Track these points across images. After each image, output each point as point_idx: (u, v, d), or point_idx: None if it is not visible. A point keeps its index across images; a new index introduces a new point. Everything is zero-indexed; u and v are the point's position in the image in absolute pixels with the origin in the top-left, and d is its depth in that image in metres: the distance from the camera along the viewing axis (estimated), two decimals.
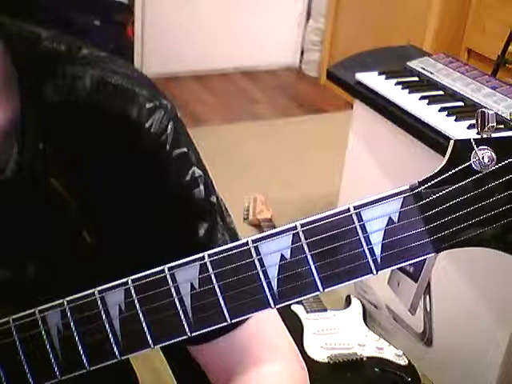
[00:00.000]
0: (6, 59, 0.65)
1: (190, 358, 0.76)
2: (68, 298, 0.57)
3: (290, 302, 0.54)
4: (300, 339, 1.84)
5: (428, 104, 1.77)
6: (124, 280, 0.56)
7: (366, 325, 1.96)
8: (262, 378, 0.72)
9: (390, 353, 1.82)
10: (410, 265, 1.82)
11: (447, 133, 1.64)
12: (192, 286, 0.55)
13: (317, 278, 0.53)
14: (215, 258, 0.54)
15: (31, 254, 0.68)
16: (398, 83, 1.89)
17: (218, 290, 0.55)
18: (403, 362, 1.81)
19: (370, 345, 1.85)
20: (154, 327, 0.56)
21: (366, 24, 3.53)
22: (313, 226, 0.53)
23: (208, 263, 0.55)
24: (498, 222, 0.51)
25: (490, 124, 0.52)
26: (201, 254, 0.55)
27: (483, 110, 0.52)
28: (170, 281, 0.55)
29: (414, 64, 1.98)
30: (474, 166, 0.51)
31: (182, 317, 0.55)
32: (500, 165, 0.51)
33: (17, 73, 0.66)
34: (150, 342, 0.56)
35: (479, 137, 0.52)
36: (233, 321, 0.55)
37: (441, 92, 1.84)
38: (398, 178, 1.88)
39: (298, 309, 1.96)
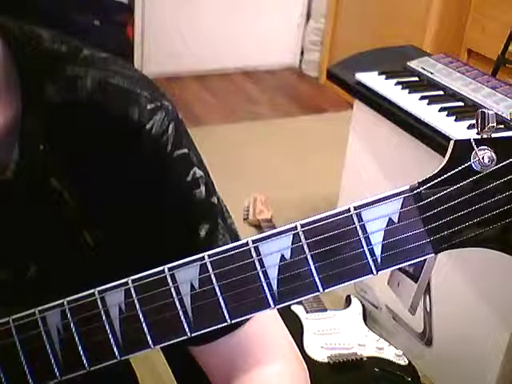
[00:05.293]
0: (7, 60, 0.65)
1: (190, 358, 0.76)
2: (68, 299, 0.57)
3: (290, 303, 0.54)
4: (300, 339, 1.84)
5: (428, 104, 1.77)
6: (124, 280, 0.56)
7: (366, 325, 1.96)
8: (262, 378, 0.72)
9: (390, 353, 1.82)
10: (410, 265, 1.82)
11: (447, 133, 1.64)
12: (192, 286, 0.55)
13: (317, 279, 0.53)
14: (215, 258, 0.54)
15: (32, 254, 0.68)
16: (398, 83, 1.89)
17: (217, 291, 0.55)
18: (403, 362, 1.81)
19: (370, 345, 1.85)
20: (154, 328, 0.56)
21: (366, 24, 3.53)
22: (313, 226, 0.53)
23: (208, 263, 0.55)
24: (498, 223, 0.51)
25: (490, 124, 0.52)
26: (201, 255, 0.55)
27: (483, 110, 0.52)
28: (169, 281, 0.55)
29: (414, 64, 1.98)
30: (474, 166, 0.51)
31: (182, 317, 0.55)
32: (500, 165, 0.51)
33: (18, 73, 0.66)
34: (150, 342, 0.56)
35: (479, 137, 0.52)
36: (233, 321, 0.55)
37: (441, 92, 1.84)
38: (398, 178, 1.88)
39: (298, 309, 1.96)
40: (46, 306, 0.58)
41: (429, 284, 1.83)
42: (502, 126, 1.57)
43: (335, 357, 1.78)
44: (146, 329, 0.56)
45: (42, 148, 0.66)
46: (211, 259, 0.54)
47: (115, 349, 0.57)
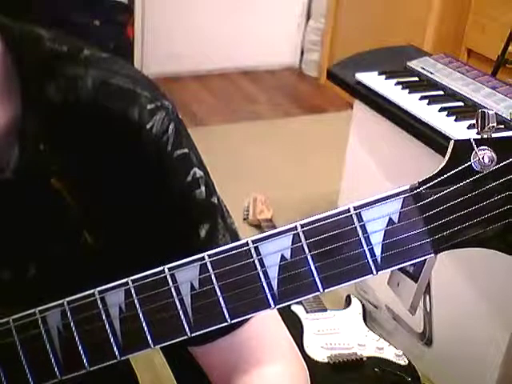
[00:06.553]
0: (7, 60, 0.65)
1: (190, 358, 0.76)
2: (68, 299, 0.58)
3: (290, 303, 0.54)
4: (300, 339, 1.84)
5: (428, 104, 1.77)
6: (124, 280, 0.56)
7: (366, 325, 1.96)
8: (262, 378, 0.72)
9: (390, 353, 1.82)
10: (410, 265, 1.82)
11: (447, 133, 1.64)
12: (192, 286, 0.55)
13: (317, 279, 0.53)
14: (215, 258, 0.55)
15: (32, 254, 0.68)
16: (398, 83, 1.89)
17: (218, 291, 0.55)
18: (403, 362, 1.81)
19: (370, 345, 1.85)
20: (154, 327, 0.56)
21: (366, 24, 3.53)
22: (313, 226, 0.53)
23: (208, 263, 0.55)
24: (498, 223, 0.51)
25: (490, 124, 0.52)
26: (201, 255, 0.55)
27: (483, 110, 0.52)
28: (170, 281, 0.55)
29: (413, 64, 1.98)
30: (474, 166, 0.51)
31: (182, 317, 0.55)
32: (500, 165, 0.51)
33: (18, 73, 0.66)
34: (150, 342, 0.56)
35: (479, 137, 0.52)
36: (233, 321, 0.55)
37: (441, 92, 1.84)
38: (398, 178, 1.88)
39: (297, 309, 1.96)
40: (46, 305, 0.58)
41: (429, 284, 1.83)
42: (502, 126, 1.58)
43: (335, 357, 1.78)
44: (146, 329, 0.56)
45: (42, 148, 0.66)
46: (211, 259, 0.55)
47: (115, 349, 0.57)
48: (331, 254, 0.53)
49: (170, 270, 0.55)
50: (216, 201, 0.72)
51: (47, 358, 0.58)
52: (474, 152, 0.51)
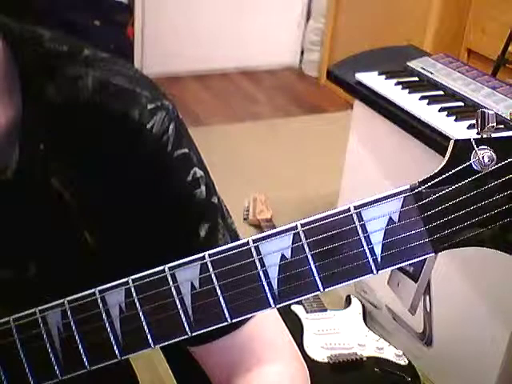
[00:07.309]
0: (8, 60, 0.65)
1: (190, 358, 0.76)
2: (68, 298, 0.58)
3: (290, 302, 0.54)
4: (300, 339, 1.84)
5: (428, 104, 1.77)
6: (124, 280, 0.56)
7: (366, 325, 1.96)
8: (263, 378, 0.72)
9: (390, 353, 1.83)
10: (410, 265, 1.82)
11: (447, 133, 1.64)
12: (192, 285, 0.55)
13: (317, 278, 0.53)
14: (216, 257, 0.55)
15: (32, 254, 0.68)
16: (398, 83, 1.89)
17: (218, 290, 0.55)
18: (403, 362, 1.81)
19: (370, 345, 1.85)
20: (155, 327, 0.56)
21: (366, 24, 3.53)
22: (313, 225, 0.53)
23: (208, 263, 0.55)
24: (498, 222, 0.51)
25: (490, 124, 0.52)
26: (201, 254, 0.55)
27: (483, 110, 0.52)
28: (170, 280, 0.55)
29: (413, 64, 1.98)
30: (474, 165, 0.51)
31: (183, 316, 0.56)
32: (500, 165, 0.51)
33: (19, 73, 0.66)
34: (151, 341, 0.57)
35: (479, 137, 0.52)
36: (233, 320, 0.55)
37: (441, 92, 1.85)
38: (398, 177, 1.88)
39: (297, 309, 1.96)
40: (47, 305, 0.58)
41: (429, 284, 1.83)
42: (502, 126, 1.57)
43: (335, 357, 1.79)
44: (146, 328, 0.56)
45: (43, 148, 0.66)
46: (212, 259, 0.55)
47: (116, 348, 0.57)
48: (331, 254, 0.53)
49: (170, 270, 0.55)
50: (216, 201, 0.72)
51: (47, 357, 0.58)
52: (473, 151, 0.51)
